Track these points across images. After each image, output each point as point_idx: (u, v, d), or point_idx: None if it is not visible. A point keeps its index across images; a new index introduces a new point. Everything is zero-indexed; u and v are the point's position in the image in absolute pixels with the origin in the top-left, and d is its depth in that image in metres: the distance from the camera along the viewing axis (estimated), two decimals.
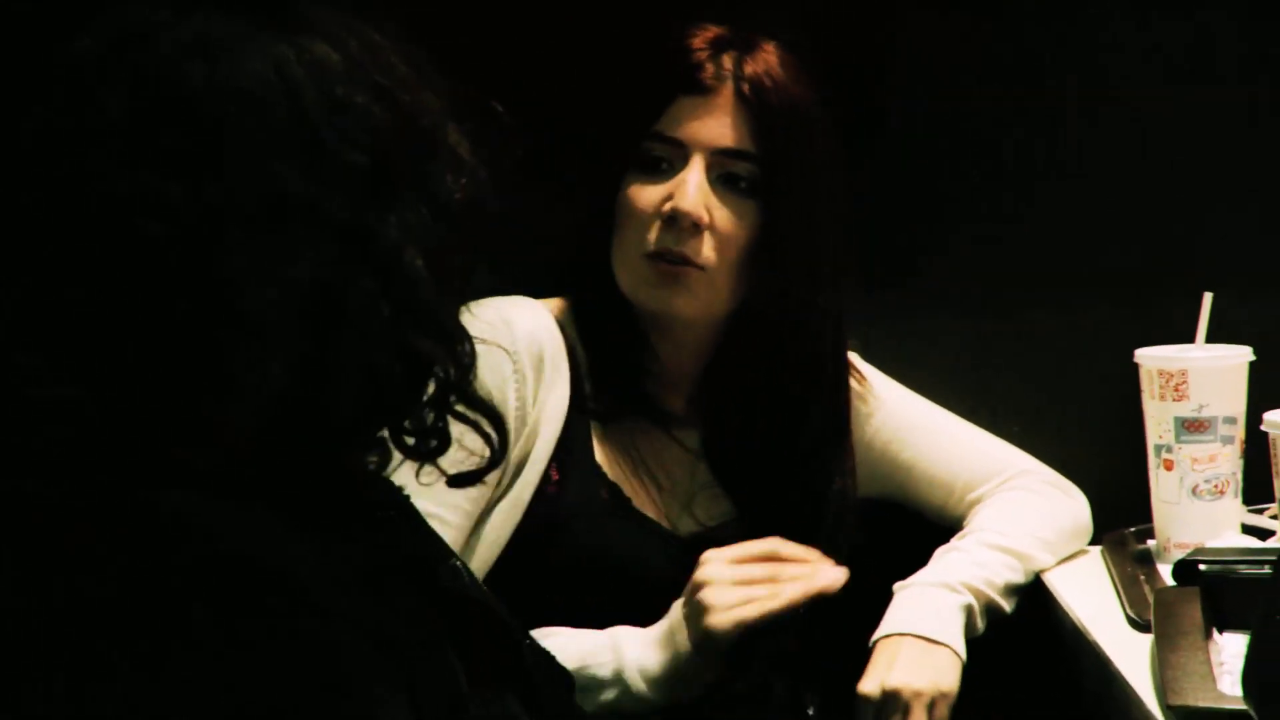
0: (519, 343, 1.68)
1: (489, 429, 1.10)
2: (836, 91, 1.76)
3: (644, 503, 1.76)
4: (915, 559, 1.81)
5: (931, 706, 1.65)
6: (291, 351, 1.01)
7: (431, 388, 1.06)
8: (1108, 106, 2.02)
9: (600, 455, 1.74)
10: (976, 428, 1.94)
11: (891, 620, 1.72)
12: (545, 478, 1.70)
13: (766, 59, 1.72)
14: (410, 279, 1.02)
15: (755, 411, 1.78)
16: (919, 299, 2.03)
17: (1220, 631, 1.57)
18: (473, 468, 1.12)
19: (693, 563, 1.70)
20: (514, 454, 1.68)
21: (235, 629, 0.97)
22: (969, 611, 1.74)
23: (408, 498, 1.17)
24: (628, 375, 1.76)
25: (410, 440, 1.08)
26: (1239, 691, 1.27)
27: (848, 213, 1.75)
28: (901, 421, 1.90)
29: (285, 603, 1.01)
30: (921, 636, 1.70)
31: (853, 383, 1.85)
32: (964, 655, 1.71)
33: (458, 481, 1.12)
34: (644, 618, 1.68)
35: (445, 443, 1.08)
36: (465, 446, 1.10)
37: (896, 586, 1.77)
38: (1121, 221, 2.03)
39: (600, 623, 1.68)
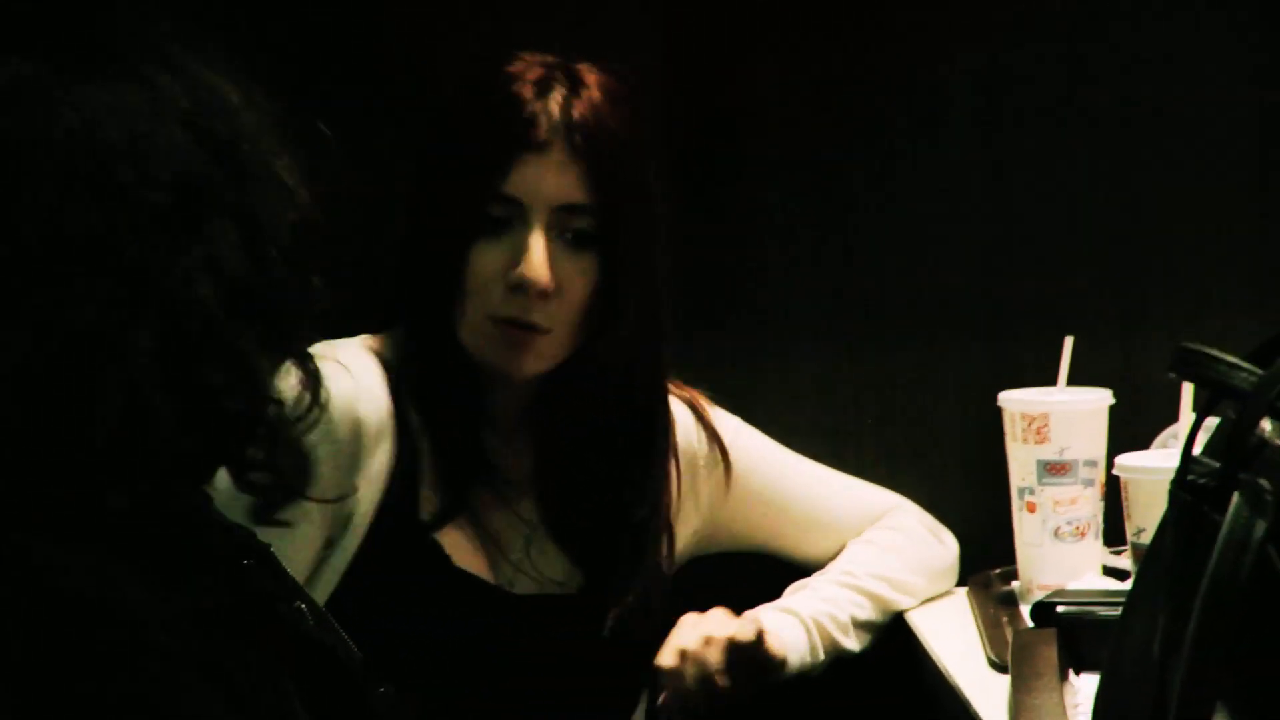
0: (335, 411, 1.63)
1: (310, 467, 1.09)
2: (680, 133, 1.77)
3: (470, 561, 1.73)
4: None
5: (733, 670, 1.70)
6: (68, 390, 1.00)
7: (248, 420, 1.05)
8: (969, 150, 2.04)
9: (427, 514, 1.71)
10: (844, 474, 1.95)
11: None
12: (367, 540, 1.68)
13: (593, 98, 1.69)
14: (199, 311, 1.01)
15: (585, 457, 1.76)
16: (781, 344, 2.04)
17: (1077, 673, 1.58)
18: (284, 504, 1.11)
19: (531, 622, 1.69)
20: (334, 517, 1.66)
21: (65, 668, 0.96)
22: (806, 641, 1.77)
23: (253, 534, 1.16)
24: (463, 426, 1.74)
25: (243, 473, 1.06)
26: None
27: (673, 251, 1.75)
28: (767, 475, 1.89)
29: (120, 642, 0.99)
30: None
31: (701, 438, 1.84)
32: (791, 660, 1.75)
33: (268, 518, 1.11)
34: (474, 680, 1.67)
35: (278, 478, 1.07)
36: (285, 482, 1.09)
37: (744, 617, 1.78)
38: (984, 266, 2.05)
39: (439, 682, 1.67)
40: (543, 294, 1.66)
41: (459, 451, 1.73)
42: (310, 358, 1.09)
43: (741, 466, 1.87)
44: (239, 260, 1.04)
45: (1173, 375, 1.26)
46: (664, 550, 1.78)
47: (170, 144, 1.03)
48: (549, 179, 1.68)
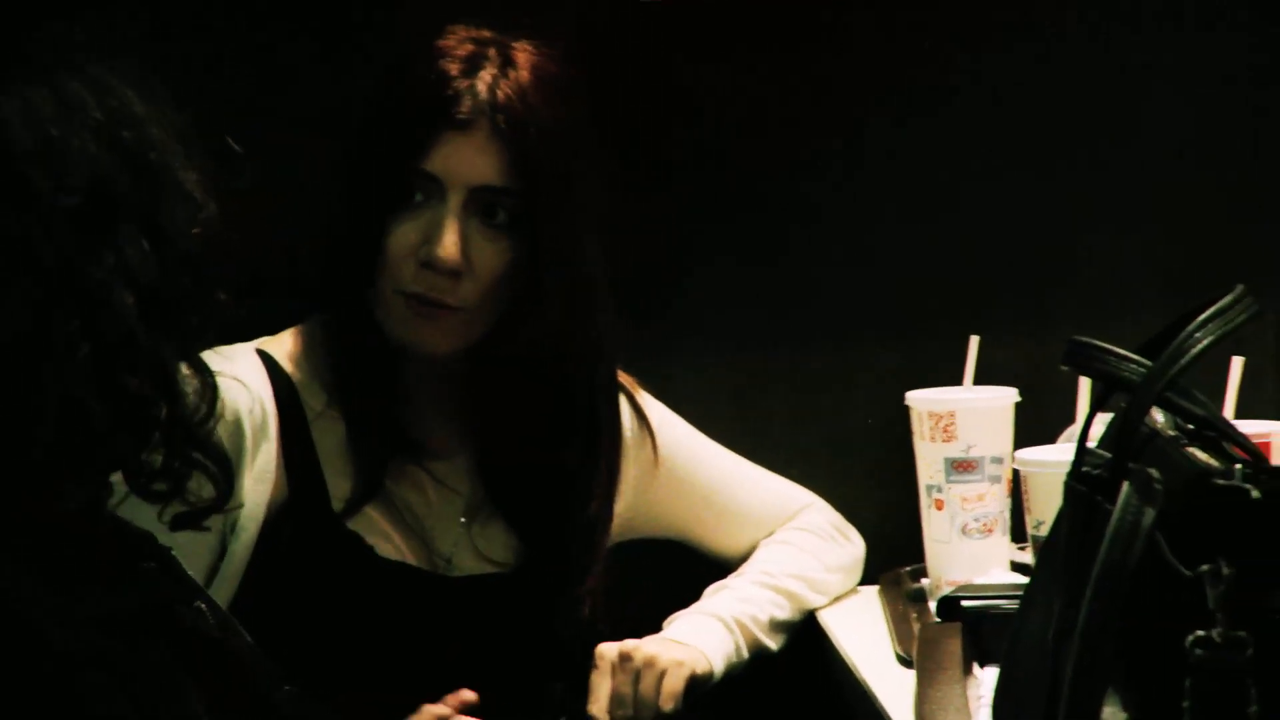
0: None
1: (216, 473, 1.09)
2: (607, 124, 1.77)
3: (398, 549, 1.73)
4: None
5: (664, 675, 1.69)
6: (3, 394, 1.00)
7: (158, 427, 1.06)
8: (880, 154, 2.06)
9: (339, 503, 1.71)
10: (762, 469, 1.96)
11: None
12: (278, 538, 1.67)
13: (522, 80, 1.69)
14: (120, 317, 1.02)
15: (514, 437, 1.76)
16: (692, 341, 2.05)
17: (982, 666, 1.60)
18: (192, 510, 1.12)
19: (471, 605, 1.70)
20: (224, 519, 1.66)
21: None
22: (731, 641, 1.77)
23: (153, 537, 1.16)
24: (377, 405, 1.73)
25: (143, 480, 1.07)
26: None
27: (606, 230, 1.76)
28: (690, 462, 1.91)
29: (18, 644, 1.00)
30: (674, 640, 1.75)
31: (631, 419, 1.85)
32: (716, 667, 1.75)
33: (177, 524, 1.12)
34: (413, 669, 1.67)
35: (179, 483, 1.08)
36: (188, 489, 1.10)
37: (665, 621, 1.79)
38: (892, 267, 2.07)
39: (365, 672, 1.67)
40: (452, 273, 1.66)
41: (373, 432, 1.72)
42: (206, 367, 1.10)
43: (668, 452, 1.88)
44: (149, 268, 1.04)
45: (1065, 368, 1.29)
46: (608, 528, 1.79)
47: (81, 151, 1.04)
48: (469, 159, 1.68)
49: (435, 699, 1.67)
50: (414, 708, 1.65)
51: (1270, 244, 2.07)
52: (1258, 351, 2.03)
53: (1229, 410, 1.78)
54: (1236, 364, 1.79)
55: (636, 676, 1.70)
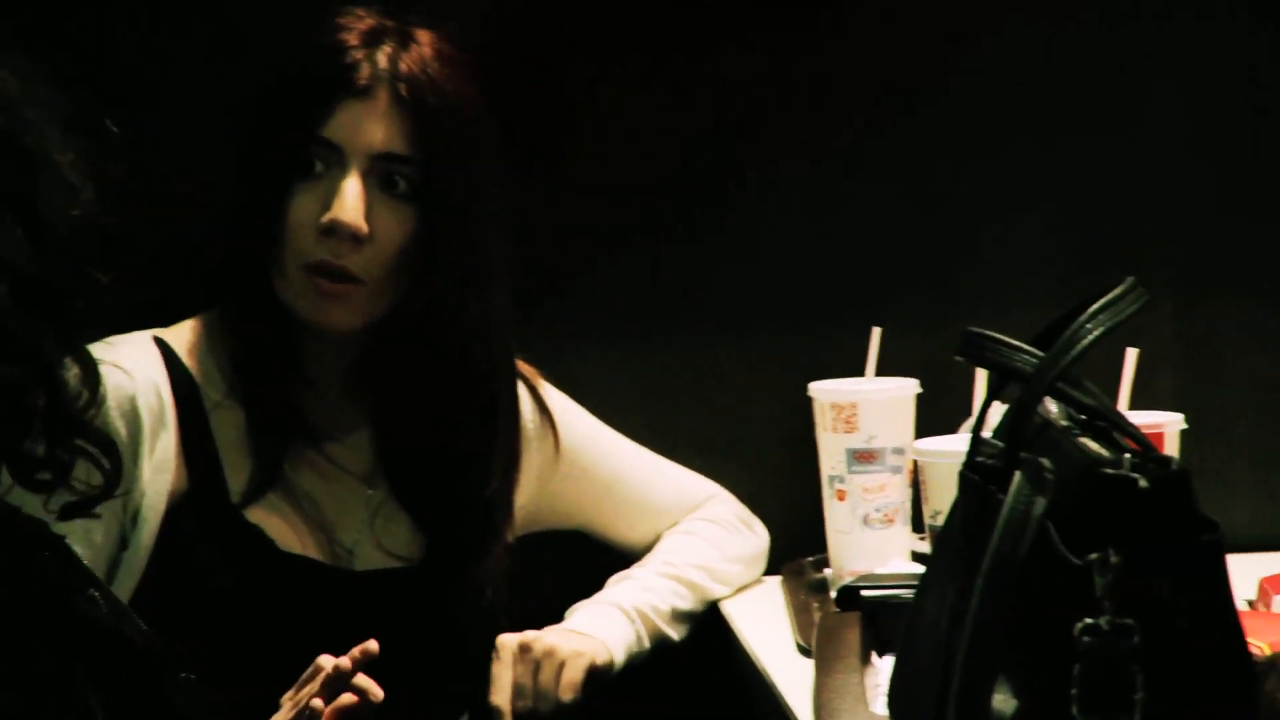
0: (108, 404, 1.61)
1: (103, 460, 1.08)
2: (506, 113, 1.77)
3: (299, 541, 1.72)
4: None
5: (564, 665, 1.69)
6: None
7: (38, 416, 1.05)
8: (779, 143, 2.07)
9: (236, 493, 1.70)
10: (665, 460, 1.97)
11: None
12: (177, 529, 1.66)
13: (424, 54, 1.69)
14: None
15: (412, 417, 1.75)
16: (595, 332, 2.05)
17: (880, 655, 1.61)
18: (80, 499, 1.10)
19: (373, 599, 1.69)
20: (124, 510, 1.64)
21: None
22: (633, 631, 1.78)
23: (45, 525, 1.15)
24: (278, 390, 1.72)
25: (25, 470, 1.06)
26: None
27: (508, 216, 1.75)
28: (594, 453, 1.91)
29: None
30: (575, 630, 1.75)
31: (533, 410, 1.85)
32: (617, 657, 1.75)
33: (65, 513, 1.11)
34: (312, 659, 1.66)
35: (63, 472, 1.07)
36: (75, 477, 1.09)
37: (567, 611, 1.79)
38: (795, 259, 2.08)
39: (267, 665, 1.65)
40: (354, 238, 1.65)
41: (272, 418, 1.71)
42: (89, 354, 1.09)
43: (570, 443, 1.88)
44: (23, 254, 1.03)
45: (959, 359, 1.30)
46: (510, 519, 1.79)
47: None
48: (369, 126, 1.67)
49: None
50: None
51: (1164, 237, 2.09)
52: (1154, 343, 2.06)
53: (1123, 401, 1.80)
54: (1131, 355, 1.81)
55: (537, 667, 1.70)
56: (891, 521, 1.89)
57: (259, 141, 1.71)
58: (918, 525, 1.92)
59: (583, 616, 1.79)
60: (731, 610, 1.87)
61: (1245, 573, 1.77)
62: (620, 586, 1.83)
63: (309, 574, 1.71)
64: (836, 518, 1.91)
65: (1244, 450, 2.10)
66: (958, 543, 1.26)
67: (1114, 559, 1.13)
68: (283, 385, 1.72)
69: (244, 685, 1.63)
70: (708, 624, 1.87)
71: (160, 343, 1.72)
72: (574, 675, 1.70)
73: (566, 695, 1.70)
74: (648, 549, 1.91)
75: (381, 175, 1.67)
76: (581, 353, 2.03)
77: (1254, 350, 2.10)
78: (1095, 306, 1.23)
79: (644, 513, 1.92)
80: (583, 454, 1.89)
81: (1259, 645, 1.44)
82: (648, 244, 2.07)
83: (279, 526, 1.70)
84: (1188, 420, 1.83)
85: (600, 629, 1.77)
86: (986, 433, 1.29)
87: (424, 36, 1.71)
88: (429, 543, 1.76)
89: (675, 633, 1.83)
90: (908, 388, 1.91)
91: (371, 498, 1.76)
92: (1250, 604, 1.71)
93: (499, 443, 1.77)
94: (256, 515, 1.70)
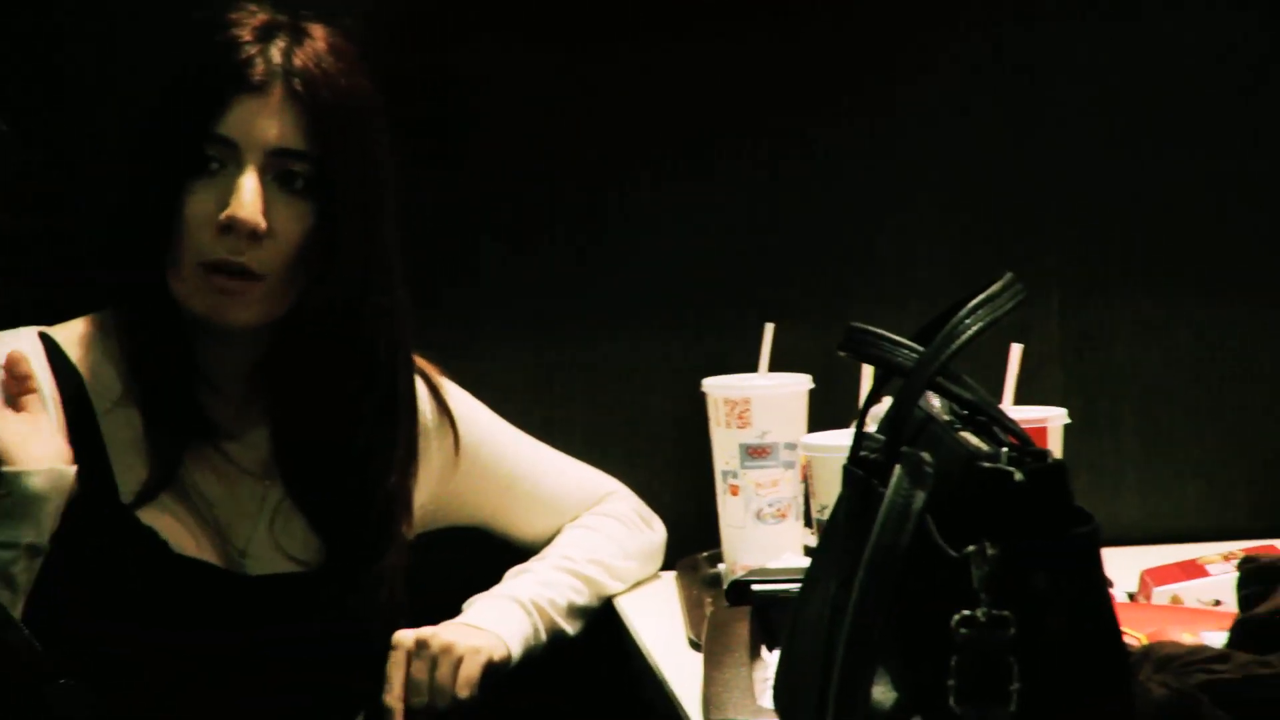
0: None
1: None
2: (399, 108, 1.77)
3: (193, 544, 1.70)
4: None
5: (461, 662, 1.69)
6: None
7: None
8: (674, 140, 2.08)
9: (128, 494, 1.68)
10: (565, 456, 1.97)
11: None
12: (63, 531, 1.62)
13: (317, 48, 1.69)
14: None
15: (314, 414, 1.74)
16: (491, 327, 2.06)
17: (770, 649, 1.62)
18: None
19: (268, 605, 1.68)
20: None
21: None
22: (530, 624, 1.78)
23: None
24: (173, 388, 1.71)
25: None
26: None
27: (401, 220, 1.75)
28: (493, 449, 1.91)
29: None
30: (472, 625, 1.75)
31: (432, 407, 1.84)
32: (514, 651, 1.75)
33: None
34: (207, 672, 1.65)
35: None
36: None
37: (464, 604, 1.79)
38: (688, 255, 2.09)
39: (159, 669, 1.64)
40: (253, 234, 1.64)
41: (169, 417, 1.70)
42: None
43: (470, 440, 1.87)
44: None
45: (842, 354, 1.31)
46: (409, 517, 1.78)
47: None
48: (264, 121, 1.66)
49: (227, 697, 1.66)
50: (203, 707, 1.64)
51: (1051, 234, 2.12)
52: (1041, 339, 2.09)
53: (1008, 396, 1.82)
54: (1015, 350, 1.83)
55: (433, 663, 1.70)
56: (784, 516, 1.90)
57: (154, 139, 1.69)
58: (810, 520, 1.93)
59: (480, 610, 1.79)
60: (625, 605, 1.88)
61: (1130, 565, 1.80)
62: (518, 580, 1.83)
63: (201, 577, 1.69)
64: (730, 513, 1.92)
65: (1129, 444, 2.13)
66: (841, 536, 1.27)
67: (991, 551, 1.15)
68: (178, 384, 1.71)
69: (136, 688, 1.62)
70: (602, 618, 1.88)
71: (45, 338, 1.70)
72: (471, 672, 1.70)
73: (463, 692, 1.70)
74: (548, 544, 1.91)
75: (278, 171, 1.66)
76: (478, 348, 2.03)
77: (1139, 345, 2.13)
78: (974, 302, 1.25)
79: (544, 509, 1.92)
80: (483, 451, 1.89)
81: (1136, 636, 1.46)
82: (543, 240, 2.07)
83: (172, 528, 1.69)
84: (1075, 415, 1.86)
85: (498, 623, 1.76)
86: (872, 427, 1.30)
87: (317, 31, 1.70)
88: (327, 543, 1.75)
89: (571, 627, 1.84)
90: (800, 383, 1.92)
91: (269, 498, 1.75)
92: (1131, 596, 1.74)
93: (399, 440, 1.76)
94: (149, 516, 1.68)
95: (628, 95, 2.06)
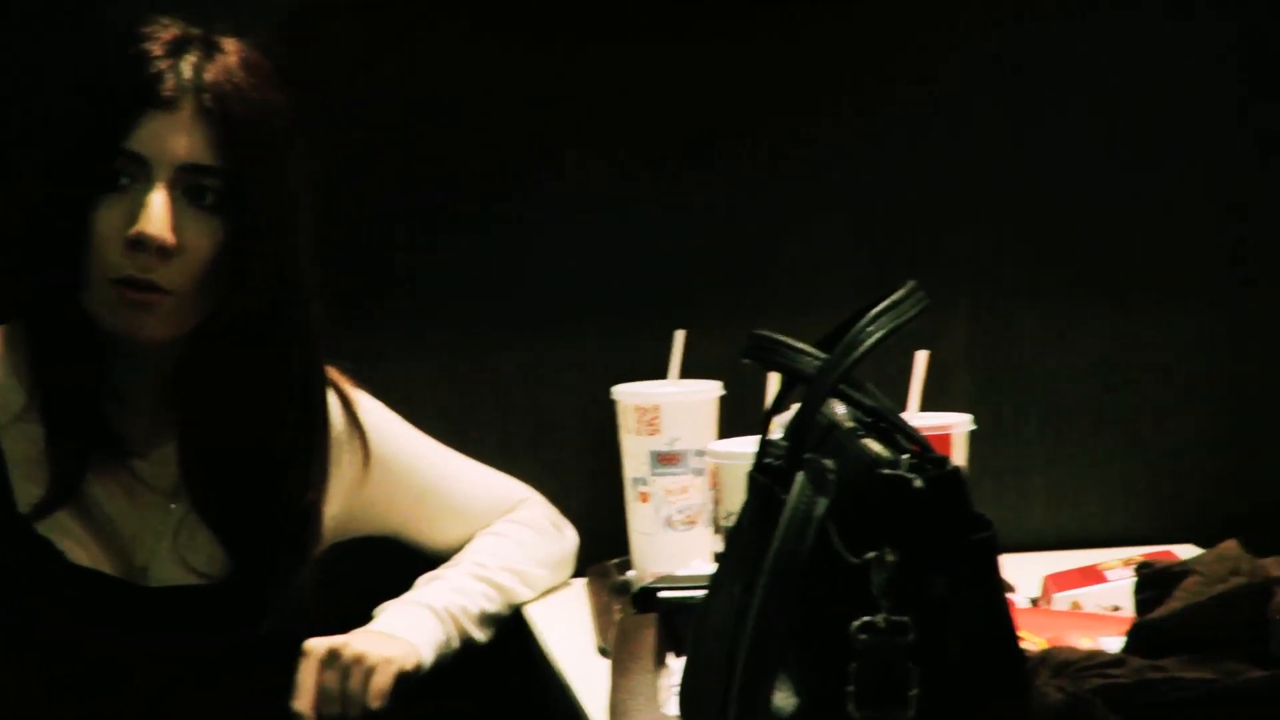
0: None
1: None
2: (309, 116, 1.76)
3: (93, 555, 1.68)
4: None
5: (373, 672, 1.68)
6: None
7: None
8: (584, 145, 2.07)
9: (26, 505, 1.66)
10: (477, 463, 1.96)
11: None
12: None
13: (229, 63, 1.67)
14: None
15: (224, 429, 1.72)
16: (400, 333, 2.05)
17: (678, 656, 1.63)
18: None
19: (170, 618, 1.66)
20: None
21: None
22: (442, 632, 1.77)
23: None
24: (76, 401, 1.69)
25: None
26: None
27: (312, 226, 1.73)
28: (404, 458, 1.89)
29: None
30: (384, 633, 1.74)
31: (342, 417, 1.83)
32: (426, 660, 1.74)
33: None
34: (107, 686, 1.63)
35: None
36: None
37: (376, 610, 1.79)
38: (599, 262, 2.09)
39: (56, 681, 1.62)
40: (161, 250, 1.62)
41: (73, 431, 1.68)
42: None
43: (381, 451, 1.86)
44: None
45: (746, 361, 1.32)
46: (319, 531, 1.76)
47: None
48: (174, 137, 1.64)
49: (126, 711, 1.65)
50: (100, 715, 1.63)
51: (959, 242, 2.13)
52: (950, 346, 2.11)
53: (914, 403, 1.83)
54: (921, 358, 1.84)
55: (345, 672, 1.69)
56: (694, 523, 1.91)
57: (63, 154, 1.67)
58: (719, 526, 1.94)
59: (392, 617, 1.78)
60: (534, 613, 1.87)
61: (1034, 570, 1.82)
62: (431, 587, 1.83)
63: (97, 588, 1.67)
64: (640, 520, 1.92)
65: (1035, 450, 2.15)
66: (745, 542, 1.28)
67: (890, 558, 1.16)
68: (84, 399, 1.69)
69: (32, 699, 1.61)
70: (511, 626, 1.87)
71: None
72: (383, 682, 1.69)
73: (375, 703, 1.68)
74: (460, 551, 1.91)
75: (188, 187, 1.65)
76: (387, 357, 2.02)
77: (1046, 352, 2.15)
78: (876, 310, 1.26)
79: (457, 518, 1.92)
80: (394, 461, 1.88)
81: (1035, 641, 1.47)
82: (452, 247, 2.06)
83: (71, 540, 1.67)
84: (982, 421, 1.87)
85: (410, 630, 1.76)
86: (779, 434, 1.30)
87: (230, 45, 1.69)
88: (234, 558, 1.73)
89: (483, 635, 1.83)
90: (710, 390, 1.93)
91: (175, 513, 1.73)
92: (1034, 601, 1.76)
93: (312, 455, 1.75)
94: (47, 529, 1.66)
95: (535, 100, 2.06)
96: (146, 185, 1.64)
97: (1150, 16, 2.15)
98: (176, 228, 1.63)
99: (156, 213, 1.62)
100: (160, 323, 1.65)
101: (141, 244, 1.62)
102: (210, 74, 1.66)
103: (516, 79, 2.06)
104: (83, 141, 1.66)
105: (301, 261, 1.71)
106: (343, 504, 1.83)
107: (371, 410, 1.88)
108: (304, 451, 1.75)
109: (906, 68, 2.12)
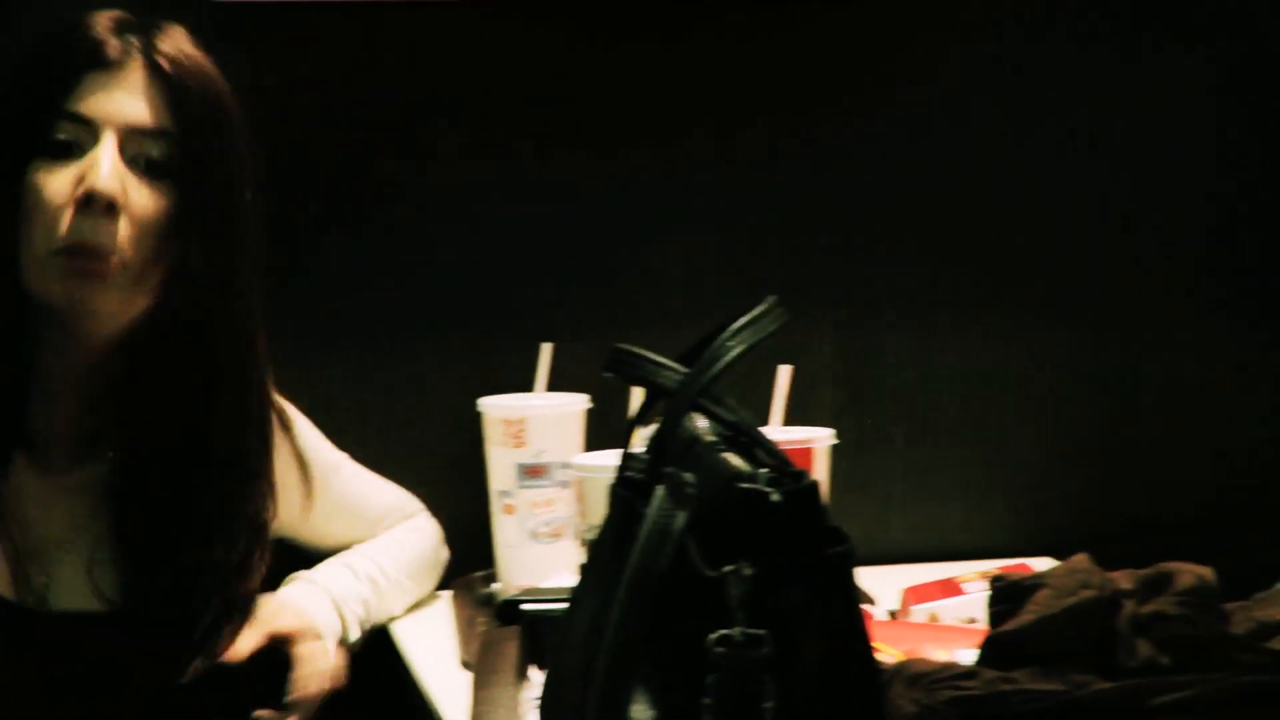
0: None
1: None
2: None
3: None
4: None
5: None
6: None
7: None
8: (452, 157, 2.07)
9: None
10: (376, 474, 1.94)
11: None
12: None
13: (176, 37, 1.64)
14: None
15: (160, 433, 1.64)
16: (270, 346, 2.02)
17: (541, 669, 1.63)
18: None
19: (68, 646, 1.60)
20: None
21: None
22: (339, 624, 1.76)
23: None
24: (8, 396, 1.61)
25: None
26: None
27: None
28: (320, 464, 1.85)
29: None
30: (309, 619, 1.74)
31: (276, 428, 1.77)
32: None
33: None
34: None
35: None
36: None
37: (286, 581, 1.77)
38: (465, 273, 2.08)
39: None
40: (110, 208, 1.56)
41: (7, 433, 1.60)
42: None
43: (309, 458, 1.83)
44: None
45: (607, 374, 1.32)
46: (264, 554, 1.69)
47: None
48: (122, 99, 1.59)
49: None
50: None
51: (825, 258, 2.15)
52: (816, 360, 2.12)
53: (777, 416, 1.84)
54: (784, 372, 1.86)
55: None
56: (559, 536, 1.91)
57: (5, 122, 1.61)
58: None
59: (299, 593, 1.75)
60: (398, 626, 1.86)
61: (895, 583, 1.84)
62: (336, 576, 1.81)
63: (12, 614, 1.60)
64: (505, 532, 1.92)
65: (898, 464, 2.17)
66: (606, 555, 1.28)
67: (747, 571, 1.17)
68: (10, 392, 1.61)
69: None
70: (374, 638, 1.86)
71: None
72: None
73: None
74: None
75: (137, 151, 1.59)
76: None
77: (909, 367, 2.17)
78: (737, 325, 1.27)
79: (366, 525, 1.90)
80: (321, 474, 1.84)
81: (892, 653, 1.49)
82: (316, 257, 2.05)
83: None
84: (847, 435, 1.89)
85: (327, 617, 1.75)
86: (640, 448, 1.31)
87: (175, 28, 1.65)
88: (137, 582, 1.63)
89: (357, 636, 1.81)
90: (577, 403, 1.93)
91: (93, 526, 1.64)
92: (893, 614, 1.77)
93: (254, 466, 1.68)
94: None
95: (401, 110, 2.05)
96: (94, 146, 1.58)
97: (1012, 40, 2.19)
98: (123, 191, 1.57)
99: (106, 168, 1.56)
100: (109, 292, 1.57)
101: (91, 200, 1.55)
102: (158, 41, 1.62)
103: (385, 82, 2.05)
104: (26, 106, 1.60)
105: (245, 238, 1.65)
106: (281, 522, 1.76)
107: (304, 431, 1.84)
108: (240, 461, 1.67)
109: (775, 87, 2.14)
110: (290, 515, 1.79)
